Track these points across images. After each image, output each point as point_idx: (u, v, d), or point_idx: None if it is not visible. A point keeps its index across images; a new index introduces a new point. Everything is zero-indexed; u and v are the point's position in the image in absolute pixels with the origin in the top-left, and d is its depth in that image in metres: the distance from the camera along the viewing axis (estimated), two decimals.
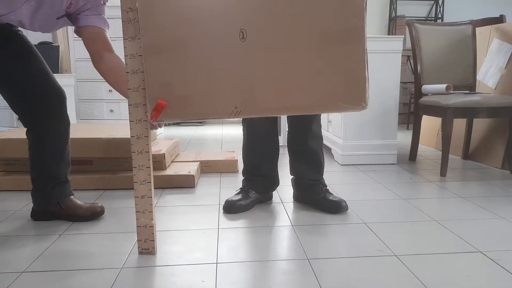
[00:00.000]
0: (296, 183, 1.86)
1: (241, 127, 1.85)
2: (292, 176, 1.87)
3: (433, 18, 5.15)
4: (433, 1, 5.16)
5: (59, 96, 1.59)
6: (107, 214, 1.73)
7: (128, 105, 1.23)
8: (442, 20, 5.12)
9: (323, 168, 1.82)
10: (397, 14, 5.05)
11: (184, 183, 2.14)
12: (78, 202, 1.66)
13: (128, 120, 1.24)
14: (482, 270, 1.21)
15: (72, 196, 1.67)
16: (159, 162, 2.20)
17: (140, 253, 1.33)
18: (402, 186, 2.15)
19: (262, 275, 1.19)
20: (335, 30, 1.13)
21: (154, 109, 1.17)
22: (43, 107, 1.55)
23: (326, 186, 1.81)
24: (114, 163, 2.17)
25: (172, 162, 2.43)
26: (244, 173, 1.86)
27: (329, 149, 2.96)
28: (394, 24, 5.04)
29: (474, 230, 1.53)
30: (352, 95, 1.16)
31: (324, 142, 3.14)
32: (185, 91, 1.17)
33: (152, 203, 1.29)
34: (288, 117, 1.82)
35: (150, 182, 1.28)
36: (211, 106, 1.18)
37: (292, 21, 1.12)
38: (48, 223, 1.61)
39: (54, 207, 1.63)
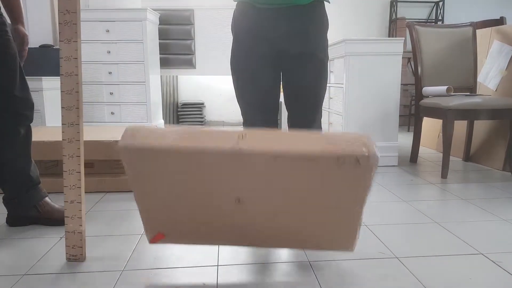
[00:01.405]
0: None
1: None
2: None
3: (434, 20, 5.15)
4: (433, 3, 5.17)
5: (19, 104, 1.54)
6: (109, 216, 1.73)
7: (61, 107, 1.20)
8: (442, 22, 5.12)
9: None
10: (398, 16, 5.05)
11: None
12: (56, 205, 1.64)
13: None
14: (483, 272, 1.21)
15: (47, 198, 1.64)
16: None
17: (68, 259, 1.29)
18: (403, 188, 2.15)
19: (263, 277, 1.19)
20: (333, 207, 1.05)
21: (153, 238, 1.17)
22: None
23: None
24: (115, 166, 2.17)
25: None
26: None
27: None
28: (394, 26, 5.04)
29: (476, 232, 1.53)
30: (342, 242, 1.13)
31: None
32: (181, 230, 1.15)
33: (81, 208, 1.25)
34: (288, 125, 1.78)
35: (80, 187, 1.24)
36: (206, 240, 1.18)
37: (290, 194, 1.04)
38: (50, 225, 1.61)
39: (31, 211, 1.60)
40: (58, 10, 1.16)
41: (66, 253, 1.29)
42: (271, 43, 1.50)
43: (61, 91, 1.20)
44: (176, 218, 1.10)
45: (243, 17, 1.54)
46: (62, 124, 1.21)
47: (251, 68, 1.55)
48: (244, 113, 1.66)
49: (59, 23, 1.17)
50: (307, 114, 1.63)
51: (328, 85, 3.04)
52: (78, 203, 1.25)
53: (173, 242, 1.18)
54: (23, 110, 1.55)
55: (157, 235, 1.15)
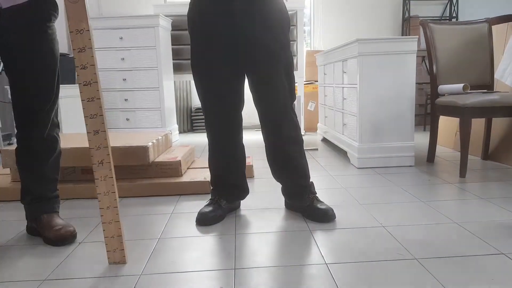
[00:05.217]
0: (284, 191, 1.80)
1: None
2: (280, 185, 1.81)
3: (448, 18, 5.08)
4: (447, 1, 5.10)
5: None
6: (125, 221, 1.74)
7: (84, 116, 1.22)
8: (456, 19, 5.05)
9: (307, 173, 1.74)
10: (411, 14, 5.00)
11: (200, 189, 2.15)
12: (53, 222, 1.53)
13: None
14: (505, 272, 1.18)
15: (55, 213, 1.58)
16: (175, 169, 2.21)
17: (110, 263, 1.31)
18: (421, 188, 2.12)
19: (281, 280, 1.18)
20: None
21: None
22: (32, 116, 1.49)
23: (315, 194, 1.75)
24: (130, 171, 2.19)
25: (188, 168, 2.44)
26: (212, 183, 1.83)
27: (344, 152, 2.94)
28: (407, 25, 4.99)
29: (496, 231, 1.50)
30: None
31: (339, 145, 3.12)
32: None
33: (118, 212, 1.27)
34: (262, 128, 1.72)
35: (114, 192, 1.26)
36: None
37: None
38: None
39: (34, 222, 1.56)
40: (69, 19, 1.18)
41: (108, 258, 1.31)
42: (229, 27, 1.54)
43: (82, 100, 1.22)
44: None
45: (196, 12, 1.61)
46: (88, 133, 1.23)
47: (210, 58, 1.60)
48: (203, 101, 1.72)
49: (70, 32, 1.19)
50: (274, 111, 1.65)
51: (341, 85, 3.02)
52: (115, 208, 1.27)
53: None
54: (53, 131, 1.56)
55: None
